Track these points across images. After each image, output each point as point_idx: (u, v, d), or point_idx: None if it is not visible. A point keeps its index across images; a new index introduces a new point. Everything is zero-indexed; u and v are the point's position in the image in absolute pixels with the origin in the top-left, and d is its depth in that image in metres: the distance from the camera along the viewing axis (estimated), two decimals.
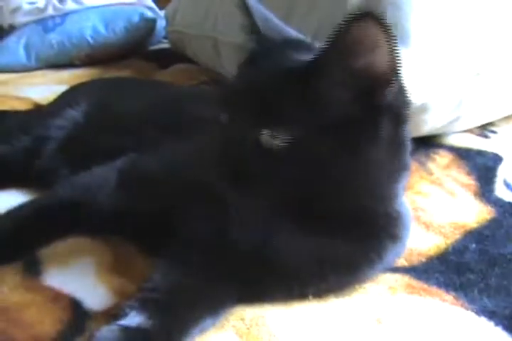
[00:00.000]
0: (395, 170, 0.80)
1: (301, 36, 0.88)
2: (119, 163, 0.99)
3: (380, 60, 0.69)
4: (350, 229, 0.80)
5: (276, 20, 0.88)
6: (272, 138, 0.73)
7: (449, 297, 0.89)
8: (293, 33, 0.88)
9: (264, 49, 0.81)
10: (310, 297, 0.86)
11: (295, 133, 0.72)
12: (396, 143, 0.78)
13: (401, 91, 0.76)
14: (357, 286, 0.89)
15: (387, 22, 0.66)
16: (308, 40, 0.86)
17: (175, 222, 0.87)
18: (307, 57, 0.76)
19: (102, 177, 0.97)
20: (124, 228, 0.93)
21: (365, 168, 0.76)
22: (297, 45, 0.83)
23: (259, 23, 0.84)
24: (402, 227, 0.87)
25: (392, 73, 0.71)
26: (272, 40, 0.82)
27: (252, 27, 0.84)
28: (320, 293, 0.86)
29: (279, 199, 0.76)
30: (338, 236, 0.79)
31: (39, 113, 1.33)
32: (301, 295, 0.86)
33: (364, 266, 0.85)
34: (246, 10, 0.84)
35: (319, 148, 0.73)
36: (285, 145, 0.72)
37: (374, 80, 0.71)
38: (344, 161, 0.74)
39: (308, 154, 0.73)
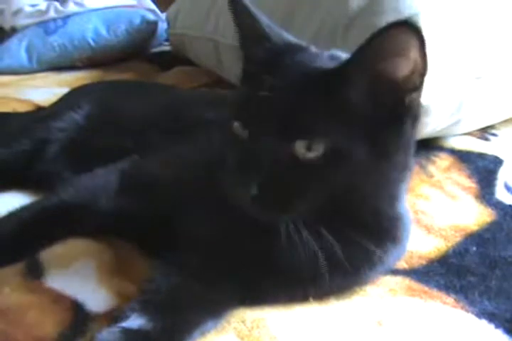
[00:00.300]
0: (404, 169, 0.81)
1: (298, 41, 0.87)
2: (121, 165, 0.99)
3: (410, 65, 0.71)
4: (354, 230, 0.80)
5: (276, 26, 0.87)
6: (307, 150, 0.72)
7: (450, 299, 0.89)
8: (291, 38, 0.87)
9: (275, 57, 0.80)
10: (311, 299, 0.86)
11: (329, 142, 0.72)
12: (409, 143, 0.79)
13: (420, 92, 0.77)
14: (357, 289, 0.89)
15: (421, 30, 0.68)
16: (305, 44, 0.86)
17: (176, 224, 0.87)
18: (322, 63, 0.77)
19: (103, 179, 0.96)
20: (125, 230, 0.93)
21: (390, 169, 0.77)
22: (300, 50, 0.82)
23: (267, 30, 0.82)
24: (403, 229, 0.88)
25: (419, 77, 0.72)
26: (278, 47, 0.81)
27: (260, 34, 0.82)
28: (322, 294, 0.87)
29: (308, 211, 0.75)
30: (342, 237, 0.79)
31: (40, 115, 1.33)
32: (303, 297, 0.86)
33: (366, 267, 0.85)
34: (252, 18, 0.82)
35: (352, 154, 0.72)
36: (319, 155, 0.72)
37: (402, 85, 0.73)
38: (374, 164, 0.75)
39: (342, 161, 0.73)
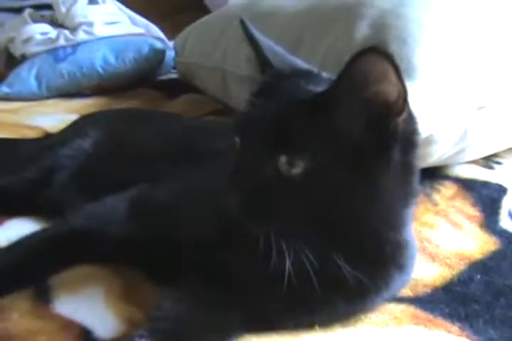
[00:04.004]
0: (405, 195, 0.82)
1: (308, 66, 0.90)
2: (130, 193, 1.00)
3: (389, 89, 0.72)
4: (359, 255, 0.81)
5: (284, 52, 0.90)
6: (288, 166, 0.74)
7: (455, 328, 0.89)
8: (300, 63, 0.91)
9: (276, 81, 0.83)
10: (317, 327, 0.86)
11: (310, 160, 0.74)
12: (406, 169, 0.80)
13: (410, 118, 0.78)
14: (362, 316, 0.90)
15: (392, 54, 0.69)
16: (316, 69, 0.88)
17: (184, 252, 0.88)
18: (317, 87, 0.79)
19: (113, 207, 0.98)
20: (134, 257, 0.94)
21: (377, 193, 0.78)
22: (306, 75, 0.85)
23: (269, 56, 0.86)
24: (408, 256, 0.88)
25: (401, 101, 0.73)
26: (282, 72, 0.84)
27: (262, 60, 0.87)
28: (328, 321, 0.87)
29: (293, 227, 0.77)
30: (347, 262, 0.79)
31: (48, 142, 1.34)
32: (310, 323, 0.86)
33: (372, 293, 0.85)
34: (255, 44, 0.87)
35: (334, 175, 0.74)
36: (301, 172, 0.74)
37: (385, 109, 0.74)
38: (358, 187, 0.76)
39: (324, 180, 0.74)
